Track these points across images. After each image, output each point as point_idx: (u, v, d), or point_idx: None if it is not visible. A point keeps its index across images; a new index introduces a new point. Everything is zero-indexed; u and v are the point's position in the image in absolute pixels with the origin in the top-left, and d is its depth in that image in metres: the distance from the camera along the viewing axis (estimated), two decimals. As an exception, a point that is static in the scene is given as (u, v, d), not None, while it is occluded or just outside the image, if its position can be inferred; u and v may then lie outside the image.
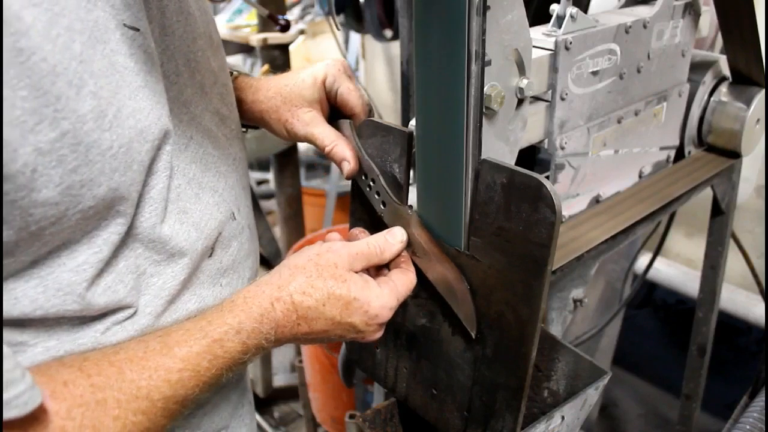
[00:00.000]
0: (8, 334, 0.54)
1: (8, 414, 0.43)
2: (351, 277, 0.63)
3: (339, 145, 0.75)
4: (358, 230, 0.73)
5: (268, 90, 0.80)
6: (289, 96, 0.78)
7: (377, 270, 0.70)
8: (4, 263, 0.50)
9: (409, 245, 0.71)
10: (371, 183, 0.75)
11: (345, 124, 0.77)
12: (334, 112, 0.80)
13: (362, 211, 0.79)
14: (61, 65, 0.47)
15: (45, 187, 0.48)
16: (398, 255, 0.70)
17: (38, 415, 0.46)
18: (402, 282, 0.67)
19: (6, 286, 0.51)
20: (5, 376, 0.43)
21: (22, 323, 0.54)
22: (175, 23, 0.63)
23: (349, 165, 0.74)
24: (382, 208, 0.74)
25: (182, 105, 0.63)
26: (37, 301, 0.52)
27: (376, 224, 0.75)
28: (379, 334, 0.67)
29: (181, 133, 0.63)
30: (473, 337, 0.69)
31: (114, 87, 0.52)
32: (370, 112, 0.80)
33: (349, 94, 0.78)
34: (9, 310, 0.52)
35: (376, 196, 0.75)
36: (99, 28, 0.51)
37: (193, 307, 0.66)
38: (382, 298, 0.64)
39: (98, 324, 0.58)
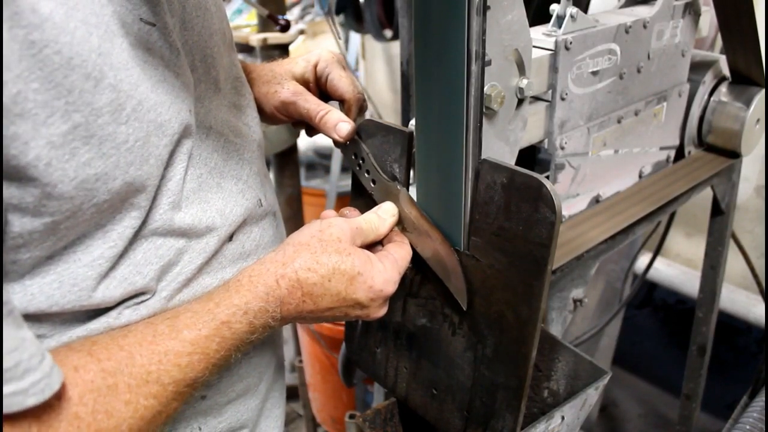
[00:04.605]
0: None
1: (26, 402, 0.43)
2: (355, 252, 0.64)
3: (332, 111, 0.75)
4: (347, 209, 0.73)
5: (263, 69, 0.82)
6: (281, 71, 0.80)
7: (371, 247, 0.70)
8: (19, 257, 0.50)
9: (400, 221, 0.72)
10: (361, 161, 0.75)
11: (334, 104, 0.78)
12: (325, 98, 0.81)
13: (361, 202, 0.79)
14: (79, 57, 0.47)
15: (60, 181, 0.48)
16: (391, 230, 0.71)
17: (51, 401, 0.46)
18: (401, 255, 0.68)
19: (22, 283, 0.51)
20: (23, 365, 0.43)
21: (39, 318, 0.54)
22: (194, 18, 0.63)
23: (348, 125, 0.74)
24: (372, 186, 0.75)
25: (196, 100, 0.63)
26: (53, 297, 0.52)
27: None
28: (383, 311, 0.67)
29: (200, 124, 0.63)
30: (464, 309, 0.69)
31: (135, 80, 0.52)
32: (363, 102, 0.80)
33: (340, 80, 0.78)
34: (25, 307, 0.52)
35: (366, 175, 0.75)
36: (116, 23, 0.51)
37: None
38: (385, 272, 0.64)
39: (112, 311, 0.58)
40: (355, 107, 0.79)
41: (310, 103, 0.76)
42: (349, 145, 0.76)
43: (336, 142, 0.76)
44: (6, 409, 0.42)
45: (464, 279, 0.68)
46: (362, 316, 0.66)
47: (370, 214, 0.70)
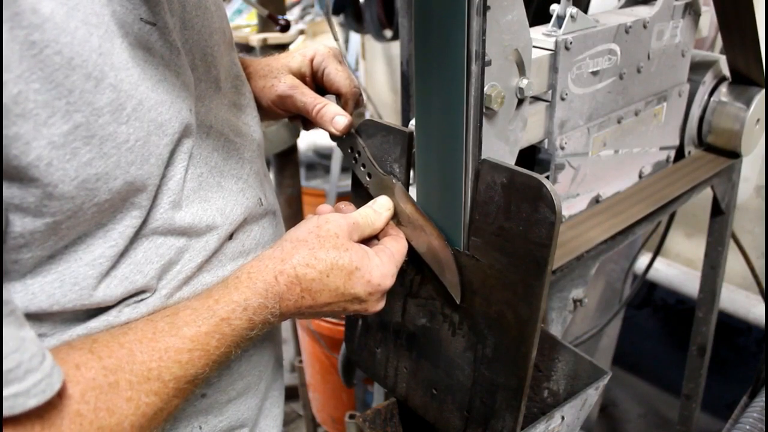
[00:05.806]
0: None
1: (28, 403, 0.43)
2: (352, 247, 0.64)
3: (328, 104, 0.75)
4: (343, 204, 0.73)
5: (259, 63, 0.82)
6: (277, 66, 0.80)
7: (367, 241, 0.70)
8: (20, 257, 0.50)
9: (395, 215, 0.72)
10: (357, 155, 0.76)
11: (330, 98, 0.78)
12: (321, 92, 0.81)
13: (360, 198, 0.79)
14: (80, 57, 0.47)
15: (61, 181, 0.48)
16: (387, 224, 0.71)
17: (53, 399, 0.46)
18: (397, 249, 0.68)
19: (24, 282, 0.51)
20: (24, 366, 0.43)
21: (40, 317, 0.54)
22: (194, 17, 0.63)
23: (345, 119, 0.74)
24: (368, 180, 0.75)
25: (197, 99, 0.64)
26: (54, 296, 0.53)
27: None
28: (381, 305, 0.68)
29: (200, 123, 0.63)
30: (458, 303, 0.70)
31: (135, 80, 0.52)
32: (359, 96, 0.80)
33: (336, 74, 0.79)
34: (26, 306, 0.52)
35: (362, 168, 0.75)
36: (116, 23, 0.51)
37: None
38: (383, 266, 0.65)
39: (112, 310, 0.58)
40: (352, 101, 0.79)
41: (306, 97, 0.76)
42: (345, 139, 0.76)
43: (332, 136, 0.76)
44: (9, 411, 0.43)
45: (461, 276, 0.69)
46: (360, 310, 0.67)
47: (366, 209, 0.70)
